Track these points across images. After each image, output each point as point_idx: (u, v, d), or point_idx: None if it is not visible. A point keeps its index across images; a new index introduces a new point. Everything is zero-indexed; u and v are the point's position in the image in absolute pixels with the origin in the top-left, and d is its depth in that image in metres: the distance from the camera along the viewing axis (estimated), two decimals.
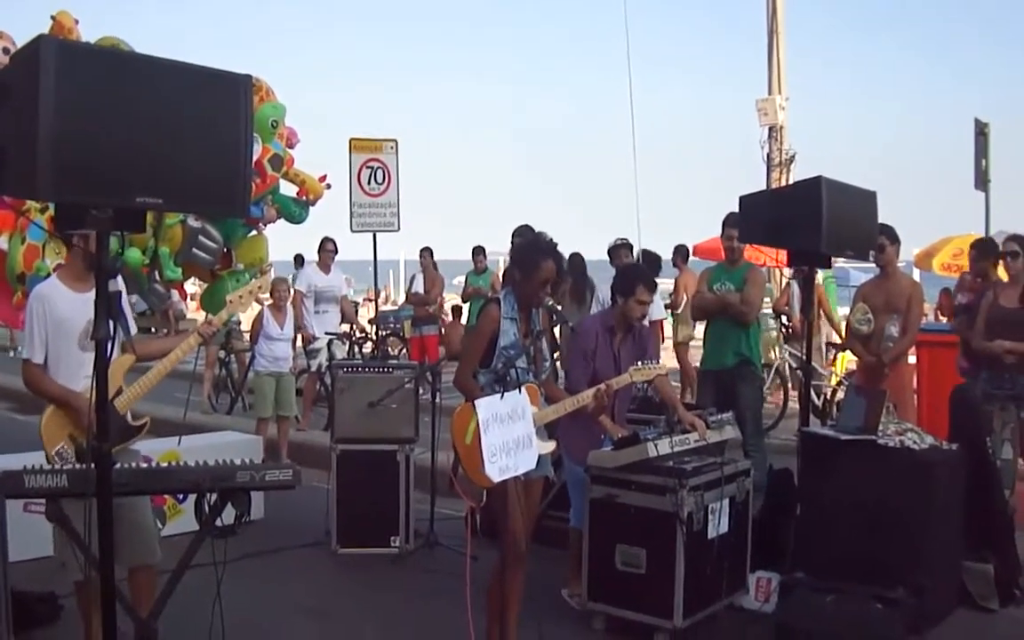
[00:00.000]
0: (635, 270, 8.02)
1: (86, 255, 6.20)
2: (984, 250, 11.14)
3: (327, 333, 15.35)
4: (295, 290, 15.16)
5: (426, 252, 19.47)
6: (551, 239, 6.82)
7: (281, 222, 11.52)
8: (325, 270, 15.64)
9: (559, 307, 7.60)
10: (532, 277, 6.47)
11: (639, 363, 7.25)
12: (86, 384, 5.32)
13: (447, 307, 22.00)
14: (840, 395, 14.38)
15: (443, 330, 20.12)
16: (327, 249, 15.65)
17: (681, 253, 17.45)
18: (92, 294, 4.63)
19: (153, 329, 20.70)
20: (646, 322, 8.18)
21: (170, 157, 4.32)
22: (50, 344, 6.22)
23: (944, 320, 18.28)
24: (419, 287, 19.24)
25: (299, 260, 21.61)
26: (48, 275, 7.92)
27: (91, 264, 6.08)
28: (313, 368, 15.22)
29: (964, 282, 11.92)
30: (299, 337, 15.25)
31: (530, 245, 6.78)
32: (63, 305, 6.20)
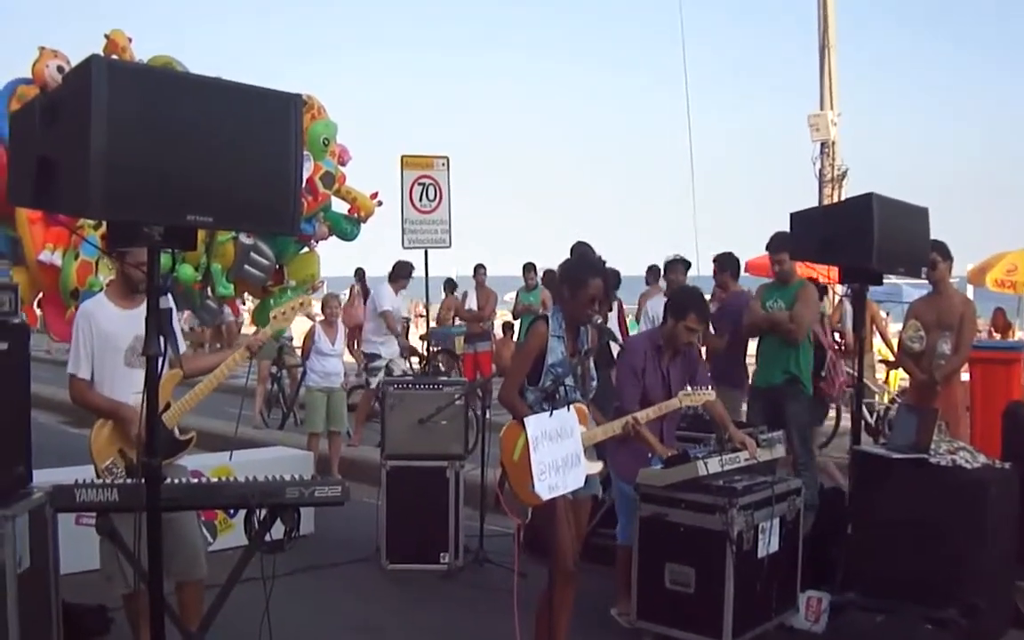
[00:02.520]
0: (691, 296, 7.92)
1: (122, 276, 6.30)
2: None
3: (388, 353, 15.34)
4: (384, 311, 15.16)
5: (480, 269, 19.55)
6: (600, 257, 6.80)
7: (333, 239, 11.59)
8: (397, 292, 15.68)
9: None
10: (579, 295, 6.45)
11: (688, 387, 7.22)
12: (135, 399, 5.37)
13: (497, 324, 22.05)
14: (893, 413, 14.28)
15: (495, 347, 20.15)
16: (407, 274, 15.69)
17: (653, 272, 17.67)
18: (138, 310, 4.69)
19: (206, 346, 20.88)
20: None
21: (220, 175, 4.35)
22: (96, 360, 6.30)
23: (998, 337, 18.13)
24: (472, 304, 19.29)
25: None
26: (100, 290, 8.01)
27: (130, 284, 6.20)
28: (372, 385, 15.23)
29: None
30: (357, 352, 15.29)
31: (578, 262, 6.77)
32: (109, 321, 6.28)
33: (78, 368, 6.31)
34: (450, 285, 24.24)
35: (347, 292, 21.43)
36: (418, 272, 14.84)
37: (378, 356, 15.15)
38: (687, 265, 12.04)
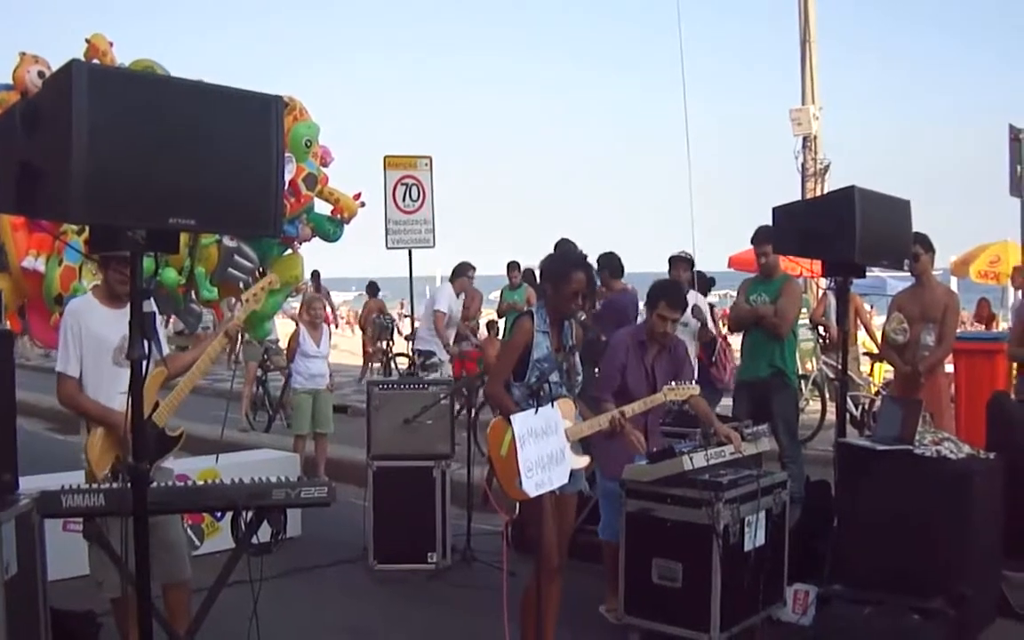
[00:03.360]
0: (664, 285, 7.95)
1: (111, 287, 6.30)
2: None
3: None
4: (437, 311, 14.97)
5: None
6: (582, 251, 6.82)
7: (316, 240, 11.58)
8: (459, 293, 15.53)
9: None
10: (562, 289, 6.45)
11: (673, 382, 7.23)
12: (122, 400, 5.37)
13: (482, 322, 22.00)
14: (878, 405, 14.32)
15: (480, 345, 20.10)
16: (470, 275, 15.59)
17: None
18: (125, 310, 4.69)
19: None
20: (682, 336, 8.12)
21: (202, 178, 4.36)
22: (85, 360, 6.29)
23: (982, 328, 18.19)
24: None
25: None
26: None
27: (115, 290, 6.20)
28: None
29: None
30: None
31: (560, 257, 6.77)
32: (98, 321, 6.28)
33: (67, 366, 6.30)
34: (372, 288, 24.38)
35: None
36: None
37: (432, 354, 14.95)
38: (691, 262, 12.00)
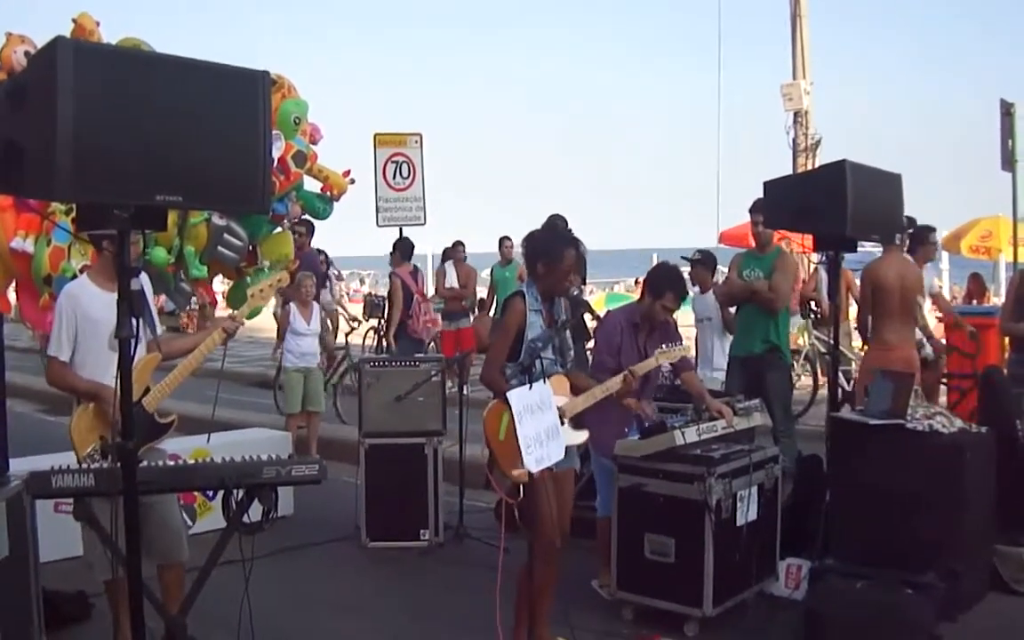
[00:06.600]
0: (670, 275, 7.90)
1: (104, 259, 6.24)
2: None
3: None
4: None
5: (458, 245, 19.46)
6: (569, 228, 6.82)
7: (306, 218, 11.55)
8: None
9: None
10: (557, 268, 6.44)
11: (663, 346, 7.22)
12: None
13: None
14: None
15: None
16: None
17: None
18: None
19: (183, 327, 20.77)
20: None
21: (190, 155, 4.33)
22: (80, 343, 6.26)
23: (974, 303, 18.20)
24: (452, 281, 19.18)
25: None
26: (74, 276, 7.95)
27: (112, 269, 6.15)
28: None
29: None
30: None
31: (555, 236, 6.74)
32: (94, 305, 6.24)
33: (60, 350, 6.27)
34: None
35: None
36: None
37: None
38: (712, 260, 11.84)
